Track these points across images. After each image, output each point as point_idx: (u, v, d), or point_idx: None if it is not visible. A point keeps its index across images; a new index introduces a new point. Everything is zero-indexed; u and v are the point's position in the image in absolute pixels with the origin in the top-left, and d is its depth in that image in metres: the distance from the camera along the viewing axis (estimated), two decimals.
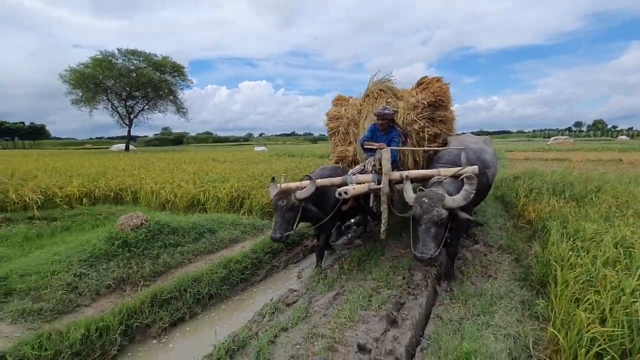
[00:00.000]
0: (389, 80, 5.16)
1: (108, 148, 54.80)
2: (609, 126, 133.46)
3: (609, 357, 1.89)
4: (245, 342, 2.67)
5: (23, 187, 7.36)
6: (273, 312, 3.22)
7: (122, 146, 53.79)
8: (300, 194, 3.60)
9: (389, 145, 4.13)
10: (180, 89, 36.72)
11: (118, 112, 36.06)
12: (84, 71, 31.78)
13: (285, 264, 4.89)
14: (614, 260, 2.72)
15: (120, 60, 33.40)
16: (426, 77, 5.07)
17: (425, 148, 4.61)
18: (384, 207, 3.81)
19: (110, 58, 32.82)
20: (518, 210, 6.09)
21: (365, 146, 4.40)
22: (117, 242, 4.08)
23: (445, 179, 3.39)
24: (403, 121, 4.75)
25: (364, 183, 3.78)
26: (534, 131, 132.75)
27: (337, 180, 3.96)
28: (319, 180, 3.88)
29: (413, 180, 3.73)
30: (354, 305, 3.11)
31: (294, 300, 3.42)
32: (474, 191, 3.05)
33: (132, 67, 33.89)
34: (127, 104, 35.94)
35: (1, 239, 5.16)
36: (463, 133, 5.96)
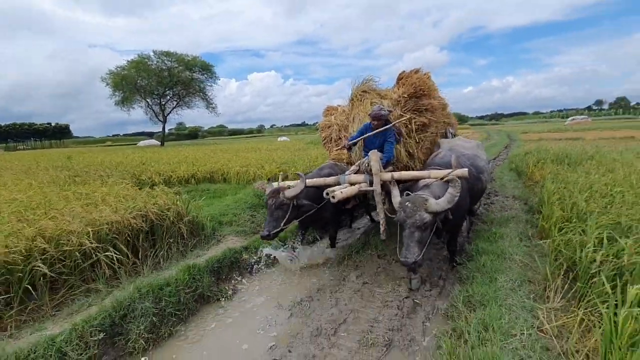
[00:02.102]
0: (371, 81, 5.31)
1: (135, 144, 57.83)
2: (632, 103, 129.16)
3: (565, 229, 3.91)
4: None
5: (147, 171, 9.79)
6: None
7: (149, 142, 57.08)
8: (289, 193, 3.72)
9: (383, 145, 4.36)
10: (210, 85, 39.33)
11: (153, 110, 38.97)
12: (123, 74, 34.65)
13: None
14: (580, 190, 4.75)
15: (154, 62, 36.08)
16: (404, 71, 5.23)
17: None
18: (379, 208, 3.90)
19: (145, 60, 35.52)
20: (527, 175, 8.10)
21: (349, 142, 4.57)
22: (260, 197, 6.36)
23: (435, 181, 3.45)
24: (392, 117, 4.80)
25: (356, 183, 3.94)
26: (551, 112, 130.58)
27: (330, 179, 4.09)
28: (312, 180, 4.09)
29: (405, 181, 3.88)
30: None
31: None
32: (458, 194, 3.06)
33: (165, 68, 36.55)
34: (161, 101, 38.76)
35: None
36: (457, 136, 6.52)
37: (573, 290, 2.91)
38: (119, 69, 35.77)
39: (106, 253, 3.72)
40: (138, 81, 36.24)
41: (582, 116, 65.83)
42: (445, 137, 5.82)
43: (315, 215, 4.07)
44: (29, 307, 3.22)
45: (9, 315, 3.07)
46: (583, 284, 2.75)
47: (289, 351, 2.85)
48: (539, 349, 2.30)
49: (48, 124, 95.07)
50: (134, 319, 3.08)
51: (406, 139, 4.87)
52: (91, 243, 3.62)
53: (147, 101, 38.03)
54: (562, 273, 3.07)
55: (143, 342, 2.97)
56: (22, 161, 17.43)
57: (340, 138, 5.42)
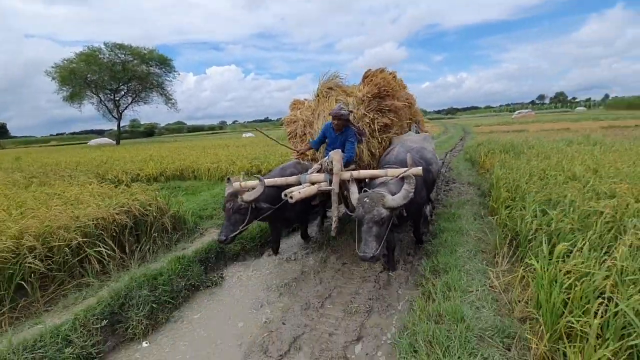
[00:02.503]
0: (337, 77, 5.37)
1: (85, 143, 53.67)
2: (569, 98, 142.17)
3: (510, 207, 4.58)
4: None
5: (112, 170, 9.51)
6: None
7: (102, 140, 53.53)
8: (248, 196, 3.61)
9: (344, 145, 4.41)
10: (169, 80, 37.75)
11: (106, 106, 36.71)
12: (71, 67, 32.23)
13: None
14: (522, 174, 5.51)
15: (106, 55, 33.92)
16: (370, 70, 5.26)
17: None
18: (334, 206, 3.95)
19: (96, 53, 33.28)
20: (480, 164, 9.00)
21: (312, 148, 4.84)
22: None
23: (391, 179, 3.55)
24: (355, 116, 4.86)
25: (316, 183, 3.95)
26: (500, 106, 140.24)
27: (291, 179, 4.07)
28: (271, 180, 4.05)
29: (364, 179, 3.99)
30: None
31: None
32: (413, 190, 3.17)
33: (119, 61, 34.50)
34: (115, 97, 36.61)
35: None
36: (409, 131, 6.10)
37: (516, 255, 3.52)
38: (66, 62, 33.18)
39: (95, 249, 3.81)
40: (88, 75, 33.92)
41: (527, 110, 71.75)
42: None
43: (278, 216, 4.02)
44: (20, 305, 3.27)
45: (1, 313, 3.11)
46: (523, 248, 3.37)
47: (283, 323, 3.20)
48: (490, 300, 2.86)
49: None
50: (132, 307, 3.26)
51: (369, 138, 4.92)
52: (80, 239, 3.70)
53: (99, 97, 35.74)
54: (508, 242, 3.70)
55: (143, 328, 3.17)
56: None
57: (305, 134, 5.40)
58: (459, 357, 2.22)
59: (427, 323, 2.61)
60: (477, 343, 2.36)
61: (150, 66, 36.00)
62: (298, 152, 5.08)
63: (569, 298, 2.20)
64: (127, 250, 4.21)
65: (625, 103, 58.67)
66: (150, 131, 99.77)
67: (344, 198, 4.34)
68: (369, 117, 4.86)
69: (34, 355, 2.51)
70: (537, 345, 2.21)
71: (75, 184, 6.60)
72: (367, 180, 4.02)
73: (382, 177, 3.70)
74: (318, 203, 4.59)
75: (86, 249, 3.75)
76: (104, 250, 3.81)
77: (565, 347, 1.97)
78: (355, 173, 3.92)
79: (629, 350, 1.83)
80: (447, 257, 3.70)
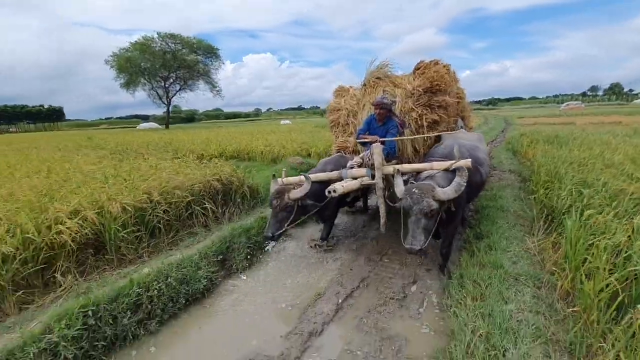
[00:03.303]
0: (386, 66, 5.14)
1: (133, 127, 57.50)
2: (625, 90, 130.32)
3: (548, 188, 5.06)
4: None
5: (181, 150, 10.82)
6: None
7: (149, 125, 57.03)
8: (295, 194, 3.69)
9: (385, 137, 4.28)
10: (215, 69, 39.71)
11: (157, 92, 39.40)
12: (127, 56, 34.92)
13: None
14: (563, 162, 5.92)
15: (158, 44, 36.30)
16: (423, 61, 5.04)
17: (416, 137, 4.66)
18: (380, 201, 3.92)
19: (149, 42, 35.71)
20: (522, 154, 9.29)
21: (358, 140, 4.55)
22: (297, 170, 7.47)
23: (438, 172, 3.42)
24: (401, 110, 4.75)
25: (357, 177, 3.95)
26: (547, 97, 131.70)
27: (333, 175, 4.10)
28: (315, 175, 4.03)
29: (407, 173, 3.82)
30: None
31: None
32: (465, 184, 3.06)
33: (169, 50, 36.79)
34: (165, 84, 39.16)
35: None
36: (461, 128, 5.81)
37: (550, 227, 4.10)
38: (122, 50, 35.99)
39: (201, 206, 4.86)
40: (142, 64, 36.55)
41: (576, 102, 67.05)
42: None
43: (320, 212, 4.09)
44: (151, 243, 4.37)
45: (142, 247, 4.23)
46: (557, 220, 3.95)
47: (350, 269, 4.04)
48: (525, 257, 3.52)
49: (41, 106, 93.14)
50: (235, 250, 4.25)
51: (414, 133, 4.74)
52: (190, 197, 4.77)
53: (151, 84, 38.43)
54: (544, 217, 4.27)
55: (242, 265, 4.14)
56: (36, 142, 18.25)
57: (347, 124, 5.28)
58: (498, 290, 2.94)
59: (472, 268, 3.34)
60: (513, 282, 3.06)
61: (198, 55, 38.05)
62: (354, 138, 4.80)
63: (590, 252, 2.83)
64: (219, 210, 5.25)
65: None
66: (190, 117, 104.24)
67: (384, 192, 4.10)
68: (417, 112, 4.69)
69: (182, 271, 3.54)
70: (561, 284, 2.87)
71: (162, 158, 7.83)
72: (412, 175, 3.84)
73: (427, 170, 3.56)
74: (352, 199, 4.53)
75: (194, 206, 4.81)
76: (208, 207, 4.85)
77: (582, 284, 2.62)
78: (398, 166, 3.77)
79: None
80: (489, 226, 4.36)
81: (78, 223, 3.60)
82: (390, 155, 4.35)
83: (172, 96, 40.35)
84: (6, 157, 10.43)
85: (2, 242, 3.11)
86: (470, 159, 3.41)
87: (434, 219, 3.03)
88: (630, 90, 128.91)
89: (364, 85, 5.20)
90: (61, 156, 9.61)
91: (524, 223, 4.55)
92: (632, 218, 3.11)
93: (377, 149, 3.83)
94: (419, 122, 4.73)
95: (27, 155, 10.14)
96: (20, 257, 3.19)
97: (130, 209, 4.08)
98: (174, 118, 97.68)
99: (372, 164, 3.89)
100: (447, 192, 3.02)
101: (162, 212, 4.46)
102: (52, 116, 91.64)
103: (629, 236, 2.77)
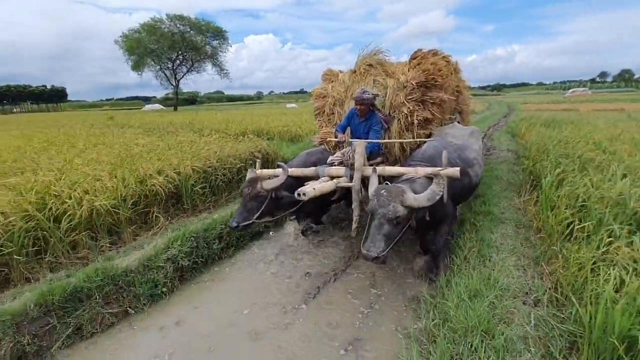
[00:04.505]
0: (380, 53, 4.77)
1: (138, 109, 57.72)
2: (636, 76, 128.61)
3: (536, 161, 6.04)
4: None
5: (205, 129, 11.80)
6: None
7: (154, 106, 57.51)
8: (268, 184, 3.44)
9: (368, 134, 4.02)
10: (222, 52, 40.12)
11: (165, 74, 40.00)
12: (136, 37, 35.37)
13: None
14: (552, 140, 6.86)
15: (167, 25, 36.65)
16: (420, 50, 4.67)
17: (403, 141, 4.29)
18: (355, 204, 3.61)
19: (158, 23, 36.07)
20: (520, 136, 10.22)
21: (335, 139, 4.23)
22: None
23: (419, 177, 3.18)
24: (391, 103, 4.42)
25: (335, 177, 3.65)
26: (554, 83, 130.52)
27: (309, 171, 3.79)
28: (292, 170, 3.77)
29: (389, 177, 3.49)
30: None
31: None
32: (441, 193, 2.83)
33: (177, 32, 37.16)
34: (173, 66, 39.69)
35: None
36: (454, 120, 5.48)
37: (534, 191, 5.10)
38: (131, 31, 36.42)
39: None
40: (150, 45, 37.01)
41: (583, 88, 66.88)
42: None
43: (297, 207, 3.75)
44: (213, 200, 5.43)
45: (208, 201, 5.29)
46: (540, 185, 4.95)
47: None
48: (512, 209, 4.56)
49: (43, 86, 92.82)
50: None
51: (403, 131, 4.42)
52: (240, 164, 5.81)
53: (159, 65, 38.98)
54: (530, 182, 5.27)
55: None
56: (56, 122, 19.21)
57: (333, 113, 4.91)
58: (488, 227, 3.97)
59: (469, 214, 4.38)
60: (499, 223, 4.10)
61: (207, 37, 38.41)
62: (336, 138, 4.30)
63: (556, 195, 3.84)
64: None
65: None
66: (192, 99, 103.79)
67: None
68: (408, 107, 4.30)
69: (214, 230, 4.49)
70: (536, 224, 3.91)
71: (196, 136, 8.82)
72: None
73: (411, 175, 3.27)
74: (337, 198, 4.15)
75: (243, 171, 5.85)
76: None
77: (548, 218, 3.62)
78: (380, 169, 3.50)
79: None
80: (484, 189, 5.37)
81: (165, 179, 4.65)
82: (374, 153, 4.12)
83: (180, 78, 40.98)
84: (46, 134, 11.43)
85: (118, 190, 4.16)
86: (458, 169, 3.11)
87: (400, 227, 2.78)
88: None
89: (354, 71, 4.85)
90: (101, 132, 10.63)
91: (514, 188, 5.57)
92: (594, 175, 4.11)
93: (359, 148, 3.54)
94: (409, 119, 4.35)
95: (66, 133, 11.14)
96: (131, 201, 4.25)
97: (199, 170, 5.12)
98: (177, 100, 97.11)
99: (352, 164, 3.58)
100: (419, 199, 2.77)
101: (221, 174, 5.51)
102: (54, 97, 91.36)
103: (586, 188, 3.77)
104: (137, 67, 37.29)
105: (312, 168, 3.83)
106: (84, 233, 3.72)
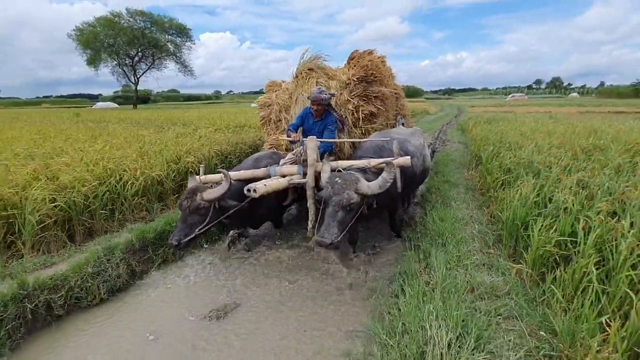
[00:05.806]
0: (319, 58, 4.94)
1: (84, 107, 52.73)
2: (565, 84, 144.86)
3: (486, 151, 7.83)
4: None
5: (192, 124, 12.51)
6: None
7: (107, 104, 54.32)
8: (209, 195, 3.14)
9: (323, 133, 4.01)
10: (187, 50, 39.47)
11: (124, 71, 38.51)
12: (93, 30, 33.84)
13: None
14: (491, 131, 8.74)
15: (126, 20, 35.44)
16: (357, 50, 4.91)
17: (354, 140, 4.31)
18: (310, 202, 3.46)
19: (117, 18, 34.79)
20: (468, 131, 12.26)
21: (286, 138, 4.12)
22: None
23: (372, 168, 3.28)
24: (337, 102, 4.54)
25: (287, 175, 3.53)
26: (496, 89, 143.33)
27: (259, 172, 3.63)
28: (236, 173, 3.59)
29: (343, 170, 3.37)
30: None
31: None
32: (392, 180, 2.93)
33: (137, 28, 36.06)
34: (133, 62, 38.37)
35: None
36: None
37: (478, 167, 6.80)
38: (85, 25, 34.73)
39: None
40: (106, 40, 35.53)
41: (520, 94, 74.85)
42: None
43: (245, 215, 3.55)
44: None
45: None
46: (482, 162, 6.66)
47: None
48: (463, 179, 6.17)
49: None
50: None
51: (352, 128, 4.53)
52: (249, 149, 6.91)
53: (117, 61, 37.47)
54: (475, 162, 6.97)
55: None
56: (36, 118, 18.47)
57: (280, 120, 5.00)
58: (447, 189, 5.50)
59: (432, 183, 5.92)
60: (454, 187, 5.66)
61: (170, 35, 37.64)
62: (287, 136, 4.16)
63: (492, 165, 5.47)
64: None
65: (617, 92, 61.64)
66: (144, 98, 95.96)
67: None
68: (353, 103, 4.51)
69: None
70: (479, 186, 5.52)
71: (189, 129, 9.64)
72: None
73: (362, 165, 3.39)
74: (290, 202, 4.06)
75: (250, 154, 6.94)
76: None
77: (486, 177, 5.22)
78: (334, 164, 3.47)
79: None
80: (441, 167, 7.00)
81: (195, 157, 5.66)
82: (328, 152, 4.08)
83: (141, 75, 39.63)
84: (37, 128, 11.40)
85: (167, 166, 5.14)
86: (409, 157, 3.35)
87: (353, 213, 2.89)
88: (569, 84, 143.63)
89: (296, 76, 4.97)
90: (87, 127, 10.97)
91: (464, 166, 7.28)
92: (516, 151, 5.83)
93: (311, 144, 3.51)
94: (356, 115, 4.56)
95: (56, 129, 11.25)
96: (171, 175, 5.22)
97: (218, 153, 6.17)
98: (128, 98, 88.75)
99: (305, 160, 3.57)
100: (372, 187, 2.90)
101: (235, 157, 6.57)
102: None
103: (511, 159, 5.42)
104: (92, 62, 35.50)
105: (263, 169, 3.69)
106: (143, 198, 4.66)
